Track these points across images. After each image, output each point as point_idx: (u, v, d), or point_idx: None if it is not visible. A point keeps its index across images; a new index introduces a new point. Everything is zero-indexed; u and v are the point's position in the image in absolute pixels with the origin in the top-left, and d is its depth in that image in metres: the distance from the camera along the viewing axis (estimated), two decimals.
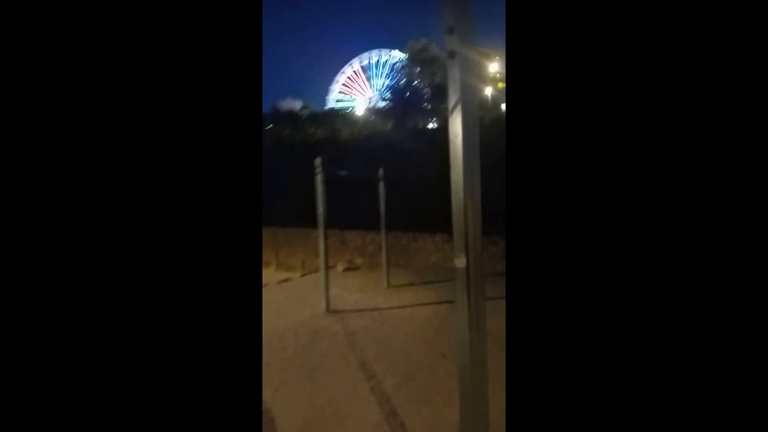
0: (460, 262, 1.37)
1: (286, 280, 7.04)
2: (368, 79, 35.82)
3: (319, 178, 4.72)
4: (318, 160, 4.76)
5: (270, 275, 7.44)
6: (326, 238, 4.83)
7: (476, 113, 1.37)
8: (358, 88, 36.30)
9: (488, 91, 16.06)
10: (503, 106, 17.07)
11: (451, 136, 1.34)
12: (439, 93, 16.61)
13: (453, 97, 1.32)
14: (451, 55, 1.30)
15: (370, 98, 32.73)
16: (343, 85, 36.92)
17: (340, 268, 7.81)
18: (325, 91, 37.50)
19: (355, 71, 36.50)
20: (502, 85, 17.20)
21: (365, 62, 35.91)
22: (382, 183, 6.01)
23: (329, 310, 4.70)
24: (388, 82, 31.60)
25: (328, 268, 4.86)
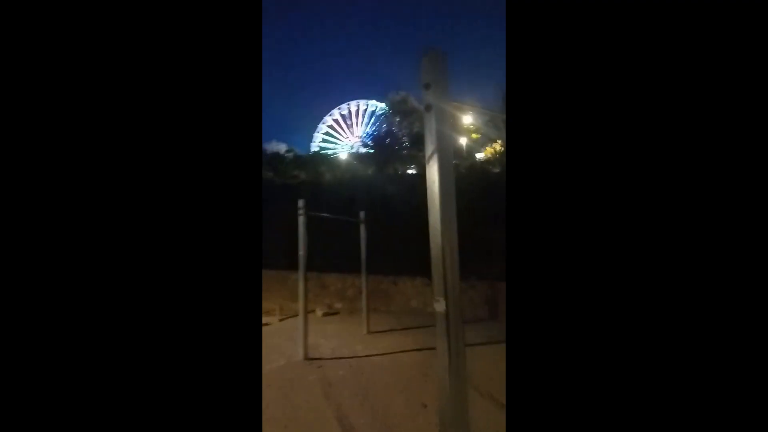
0: (440, 306, 1.38)
1: (264, 325, 6.73)
2: (350, 126, 37.14)
3: (301, 220, 4.71)
4: (301, 202, 4.78)
5: None
6: (306, 281, 4.72)
7: (451, 161, 1.46)
8: (341, 135, 37.46)
9: (463, 141, 16.91)
10: (477, 155, 17.92)
11: (429, 183, 1.40)
12: (418, 141, 17.37)
13: (430, 147, 1.40)
14: (428, 108, 1.40)
15: (352, 144, 33.75)
16: (326, 131, 38.05)
17: (319, 313, 7.56)
18: (309, 137, 38.53)
19: (337, 118, 37.86)
20: (475, 135, 18.17)
21: (348, 110, 37.42)
22: (363, 226, 6.04)
23: (307, 358, 4.49)
24: (369, 129, 32.87)
25: (307, 313, 4.70)
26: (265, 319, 7.21)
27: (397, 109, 19.73)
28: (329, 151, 32.15)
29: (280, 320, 7.16)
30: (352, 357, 4.58)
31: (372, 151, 19.63)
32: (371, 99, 35.86)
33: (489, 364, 3.42)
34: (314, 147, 35.97)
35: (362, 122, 36.18)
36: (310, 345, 4.71)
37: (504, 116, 1.46)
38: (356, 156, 21.44)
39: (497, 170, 13.26)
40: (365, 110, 36.18)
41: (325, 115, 38.37)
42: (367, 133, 31.34)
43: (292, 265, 5.86)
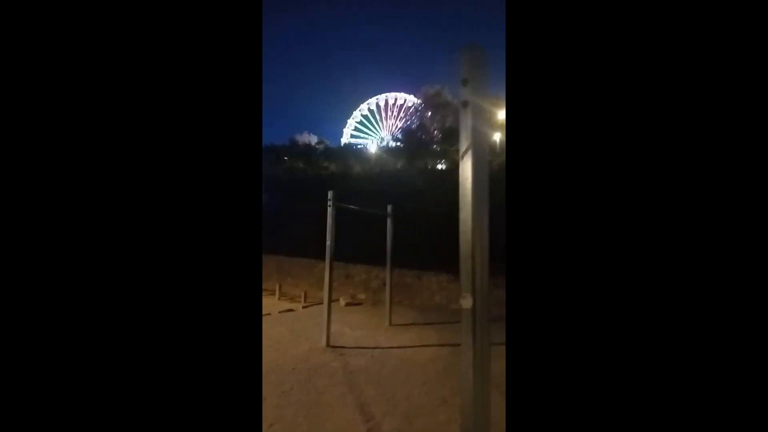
0: (467, 302, 1.38)
1: (288, 311, 6.95)
2: (381, 119, 37.13)
3: (330, 211, 4.80)
4: (330, 194, 4.86)
5: (273, 305, 7.36)
6: (332, 270, 4.82)
7: (486, 158, 1.44)
8: (372, 128, 37.55)
9: (497, 136, 16.49)
10: None
11: (461, 179, 1.39)
12: (450, 136, 17.11)
13: (464, 143, 1.39)
14: (464, 104, 1.39)
15: (382, 138, 33.77)
16: (357, 124, 38.25)
17: (342, 302, 7.71)
18: (341, 129, 38.86)
19: (369, 111, 37.93)
20: None
21: (380, 103, 37.40)
22: (390, 219, 6.07)
23: (329, 345, 4.60)
24: (400, 123, 32.71)
25: (330, 302, 4.80)
26: (289, 305, 7.43)
27: (430, 102, 19.49)
28: (360, 144, 32.36)
29: (304, 307, 7.36)
30: (375, 348, 4.65)
31: (402, 144, 19.57)
32: (404, 92, 35.72)
33: None
34: (345, 139, 36.31)
35: (394, 115, 36.10)
36: (333, 333, 4.83)
37: None
38: (386, 149, 21.45)
39: None
40: (397, 103, 36.05)
41: (357, 107, 38.61)
42: (398, 127, 31.22)
43: (319, 255, 5.99)
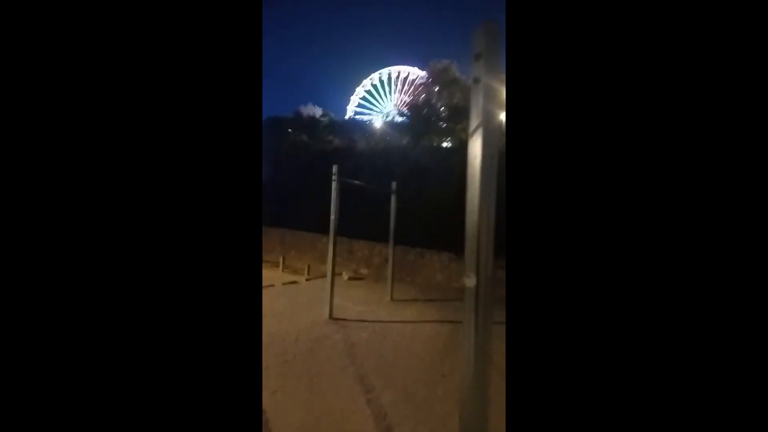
0: (470, 281, 1.38)
1: (291, 283, 7.07)
2: (387, 93, 36.35)
3: (334, 186, 4.78)
4: (335, 168, 4.83)
5: (276, 277, 7.48)
6: (335, 245, 4.86)
7: (496, 137, 1.41)
8: (377, 101, 36.84)
9: (504, 116, 16.18)
10: None
11: (470, 158, 1.37)
12: (456, 113, 16.76)
13: (474, 121, 1.36)
14: (476, 80, 1.34)
15: (388, 112, 33.19)
16: (363, 96, 37.51)
17: (345, 276, 7.82)
18: (345, 102, 38.16)
19: (375, 84, 37.09)
20: None
21: (386, 76, 36.51)
22: (394, 197, 6.05)
23: (332, 318, 4.70)
24: (406, 98, 32.03)
25: (334, 275, 4.87)
26: (293, 278, 7.56)
27: (438, 78, 18.98)
28: (364, 118, 31.85)
29: (307, 280, 7.48)
30: (376, 321, 4.76)
31: (408, 120, 19.25)
32: (411, 66, 34.76)
33: None
34: (350, 112, 35.73)
35: (400, 89, 35.29)
36: (336, 306, 4.92)
37: None
38: (391, 124, 21.13)
39: None
40: (404, 77, 35.15)
41: (362, 80, 37.75)
42: (404, 102, 30.60)
43: (323, 229, 6.02)
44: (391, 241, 6.17)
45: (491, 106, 1.34)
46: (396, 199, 6.06)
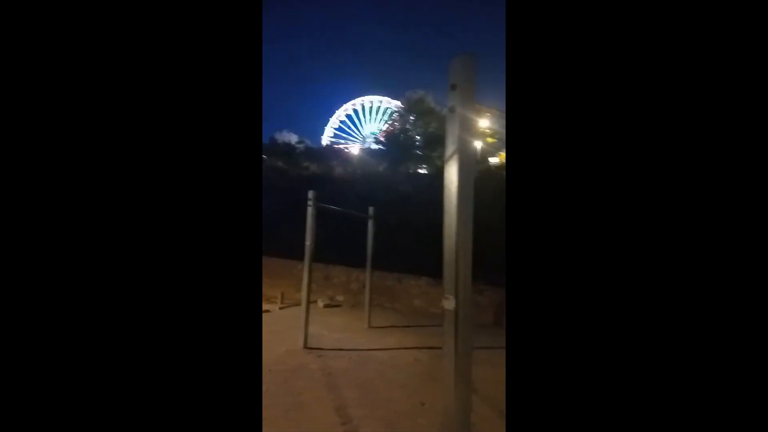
0: (449, 304, 1.40)
1: (264, 312, 6.81)
2: (365, 122, 37.09)
3: (310, 211, 4.75)
4: (311, 194, 4.82)
5: None
6: (311, 271, 4.77)
7: (472, 163, 1.47)
8: (353, 129, 37.47)
9: (478, 144, 16.85)
10: (491, 159, 17.82)
11: (447, 183, 1.42)
12: (432, 142, 17.28)
13: (450, 148, 1.42)
14: (452, 109, 1.42)
15: (364, 139, 33.74)
16: (338, 125, 38.06)
17: (321, 303, 7.63)
18: (320, 130, 38.56)
19: (349, 114, 37.82)
20: (491, 140, 18.10)
21: (359, 106, 37.35)
22: (371, 222, 6.07)
23: (307, 347, 4.54)
24: (382, 126, 32.80)
25: (309, 302, 4.75)
26: (266, 306, 7.29)
27: (413, 108, 19.62)
28: (341, 145, 32.16)
29: (281, 308, 7.23)
30: (353, 349, 4.63)
31: (385, 148, 19.62)
32: (386, 96, 35.81)
33: (489, 369, 3.43)
34: (325, 140, 36.03)
35: (375, 119, 36.14)
36: (312, 335, 4.77)
37: None
38: (368, 152, 21.44)
39: None
40: (379, 107, 36.09)
41: (337, 109, 38.42)
42: (380, 130, 31.29)
43: (299, 255, 5.90)
44: (369, 267, 6.12)
45: (466, 133, 1.41)
46: (374, 224, 6.07)
